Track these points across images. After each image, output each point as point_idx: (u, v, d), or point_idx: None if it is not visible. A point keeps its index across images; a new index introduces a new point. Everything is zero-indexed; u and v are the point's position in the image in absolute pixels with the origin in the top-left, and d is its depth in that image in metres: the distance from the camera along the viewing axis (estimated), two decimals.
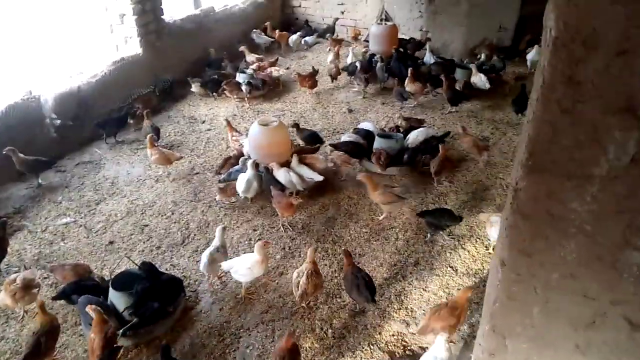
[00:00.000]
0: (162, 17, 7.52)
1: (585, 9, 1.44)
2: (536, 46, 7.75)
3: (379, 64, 7.53)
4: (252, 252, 3.80)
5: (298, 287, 3.50)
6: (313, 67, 7.93)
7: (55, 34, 6.99)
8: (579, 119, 1.59)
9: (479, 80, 6.99)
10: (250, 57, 8.41)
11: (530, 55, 7.78)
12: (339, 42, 9.02)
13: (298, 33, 9.79)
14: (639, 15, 1.37)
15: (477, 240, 4.35)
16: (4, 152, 4.94)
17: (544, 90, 1.61)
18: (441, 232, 4.40)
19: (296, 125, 5.81)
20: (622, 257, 1.76)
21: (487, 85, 6.94)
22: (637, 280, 1.78)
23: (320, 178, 4.89)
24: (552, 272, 1.90)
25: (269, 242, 4.06)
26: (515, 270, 1.97)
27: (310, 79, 7.42)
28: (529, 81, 7.30)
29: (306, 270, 3.51)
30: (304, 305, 3.67)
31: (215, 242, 3.90)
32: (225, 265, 3.78)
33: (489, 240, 4.24)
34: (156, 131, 6.01)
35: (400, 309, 3.67)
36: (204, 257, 3.80)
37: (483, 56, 8.04)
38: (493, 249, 4.25)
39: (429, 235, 4.40)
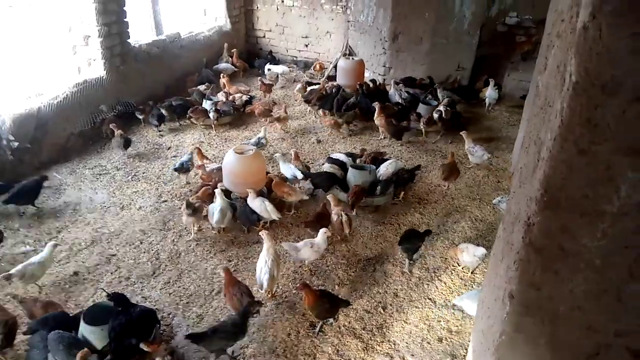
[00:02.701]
0: (128, 40, 7.37)
1: (606, 58, 1.55)
2: (491, 82, 8.19)
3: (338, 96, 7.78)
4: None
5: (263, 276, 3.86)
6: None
7: (15, 54, 6.67)
8: (594, 159, 1.69)
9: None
10: (232, 88, 8.39)
11: (488, 94, 8.19)
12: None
13: (270, 66, 9.86)
14: None
15: (452, 272, 4.44)
16: None
17: (562, 131, 1.70)
18: (415, 260, 4.51)
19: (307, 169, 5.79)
20: (628, 290, 1.85)
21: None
22: None
23: (275, 217, 4.79)
24: (559, 304, 1.96)
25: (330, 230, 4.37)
26: (524, 302, 2.03)
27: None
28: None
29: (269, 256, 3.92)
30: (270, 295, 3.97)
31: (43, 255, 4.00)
32: (287, 246, 4.25)
33: (459, 265, 4.45)
34: (127, 141, 6.21)
35: (382, 341, 3.65)
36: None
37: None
38: (472, 272, 4.37)
39: (407, 265, 4.46)
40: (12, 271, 3.82)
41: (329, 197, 4.90)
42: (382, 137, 7.27)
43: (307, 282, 3.94)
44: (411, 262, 4.49)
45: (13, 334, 3.36)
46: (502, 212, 4.88)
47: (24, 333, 3.40)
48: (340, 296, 3.94)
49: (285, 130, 7.38)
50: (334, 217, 4.69)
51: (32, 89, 6.29)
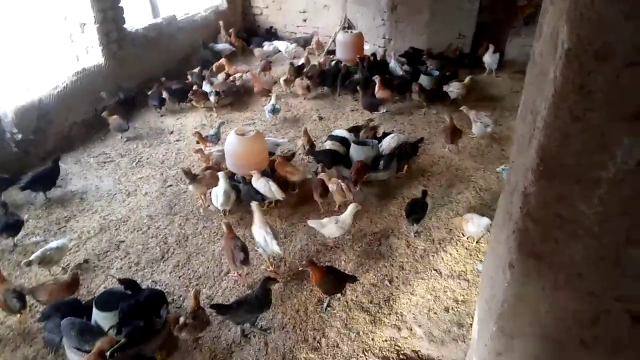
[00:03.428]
0: (124, 26, 7.32)
1: (598, 23, 1.52)
2: (490, 48, 8.07)
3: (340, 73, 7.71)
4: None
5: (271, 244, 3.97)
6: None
7: (12, 45, 6.65)
8: (589, 126, 1.67)
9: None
10: (232, 69, 8.31)
11: (487, 59, 8.07)
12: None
13: (266, 44, 9.76)
14: None
15: (457, 242, 4.46)
16: None
17: (555, 99, 1.68)
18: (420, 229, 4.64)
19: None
20: (626, 255, 1.86)
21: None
22: (639, 276, 1.89)
23: (279, 197, 4.82)
24: (559, 272, 1.98)
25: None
26: (524, 272, 2.04)
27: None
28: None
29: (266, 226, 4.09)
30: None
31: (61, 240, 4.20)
32: (312, 222, 4.32)
33: (464, 235, 4.48)
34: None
35: (390, 314, 3.71)
36: None
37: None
38: (477, 242, 4.40)
39: (413, 230, 4.59)
40: (32, 257, 3.95)
41: (322, 175, 4.90)
42: (385, 110, 7.22)
43: (314, 259, 3.99)
44: (417, 231, 4.61)
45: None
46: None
47: (39, 320, 3.49)
48: (346, 271, 3.99)
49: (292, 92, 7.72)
50: (332, 187, 4.74)
51: (32, 79, 6.31)
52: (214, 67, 8.36)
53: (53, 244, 4.09)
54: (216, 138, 6.00)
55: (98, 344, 2.97)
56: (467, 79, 7.30)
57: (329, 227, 4.29)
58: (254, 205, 4.30)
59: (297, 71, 7.91)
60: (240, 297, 3.64)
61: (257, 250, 4.18)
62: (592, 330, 2.05)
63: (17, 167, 5.50)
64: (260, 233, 4.11)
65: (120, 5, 7.12)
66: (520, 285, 2.07)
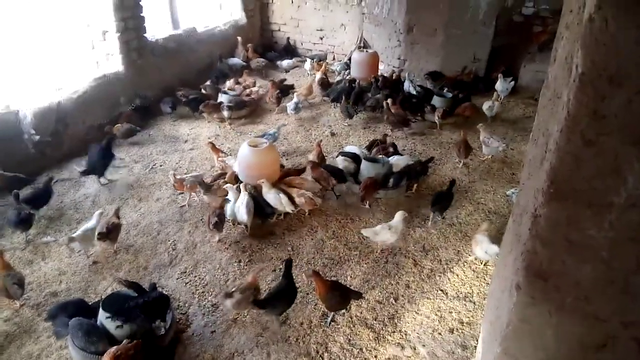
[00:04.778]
0: (145, 35, 7.48)
1: (612, 49, 1.55)
2: (500, 76, 8.11)
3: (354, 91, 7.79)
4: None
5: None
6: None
7: (35, 48, 6.82)
8: (601, 150, 1.70)
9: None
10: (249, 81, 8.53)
11: (498, 86, 8.10)
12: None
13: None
14: None
15: (464, 264, 4.45)
16: None
17: (568, 122, 1.71)
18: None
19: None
20: (635, 281, 1.86)
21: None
22: None
23: (289, 209, 4.89)
24: (566, 295, 1.98)
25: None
26: (530, 293, 2.04)
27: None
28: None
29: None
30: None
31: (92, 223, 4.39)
32: (366, 231, 4.48)
33: (475, 256, 4.46)
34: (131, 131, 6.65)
35: (394, 332, 3.69)
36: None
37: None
38: (484, 264, 4.38)
39: (432, 219, 5.00)
40: (74, 235, 4.25)
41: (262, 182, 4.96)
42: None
43: (319, 271, 3.99)
44: (441, 218, 5.03)
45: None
46: None
47: (45, 319, 3.53)
48: (352, 287, 3.99)
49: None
50: (300, 200, 4.90)
51: (53, 83, 6.45)
52: (231, 81, 8.49)
53: (89, 225, 4.36)
54: (273, 138, 6.24)
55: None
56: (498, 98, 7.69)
57: (383, 234, 4.41)
58: (261, 181, 4.83)
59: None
60: (273, 290, 3.75)
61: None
62: (597, 356, 2.04)
63: (34, 167, 5.61)
64: (275, 196, 4.76)
65: (141, 15, 7.28)
66: (526, 307, 2.07)
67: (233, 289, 3.68)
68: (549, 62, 2.25)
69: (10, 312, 3.76)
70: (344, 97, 7.60)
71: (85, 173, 5.50)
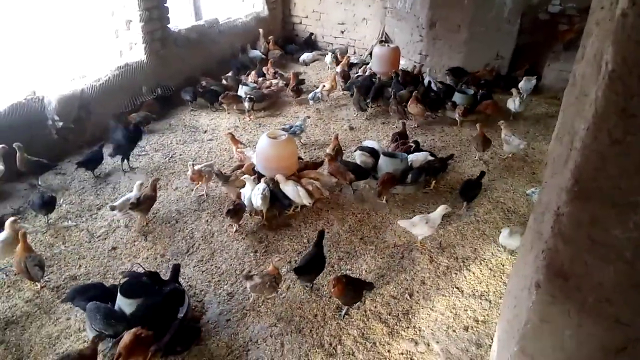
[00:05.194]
0: (168, 25, 7.54)
1: None
2: (525, 77, 7.99)
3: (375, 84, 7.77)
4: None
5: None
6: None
7: (60, 36, 6.93)
8: (628, 149, 1.66)
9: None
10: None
11: (521, 85, 7.97)
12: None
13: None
14: None
15: (482, 262, 4.41)
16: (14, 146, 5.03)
17: (595, 120, 1.68)
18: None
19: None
20: None
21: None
22: None
23: (307, 202, 4.88)
24: (587, 296, 1.95)
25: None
26: (550, 292, 2.02)
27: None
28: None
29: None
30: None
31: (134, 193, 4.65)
32: (403, 222, 4.53)
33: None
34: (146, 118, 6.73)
35: (408, 327, 3.68)
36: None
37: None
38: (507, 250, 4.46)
39: (464, 207, 5.14)
40: (116, 203, 4.56)
41: (278, 177, 4.94)
42: (416, 125, 7.22)
43: (342, 275, 3.94)
44: (469, 206, 5.16)
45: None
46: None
47: (62, 300, 3.63)
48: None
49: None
50: (308, 188, 4.93)
51: (77, 71, 6.55)
52: (253, 72, 8.52)
53: (130, 195, 4.66)
54: (300, 129, 6.42)
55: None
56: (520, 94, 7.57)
57: (420, 227, 4.45)
58: (278, 177, 4.87)
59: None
60: (306, 257, 4.00)
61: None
62: (617, 359, 2.01)
63: (56, 153, 5.72)
64: (292, 189, 4.79)
65: (165, 5, 7.35)
66: (546, 306, 2.05)
67: (254, 273, 3.80)
68: (574, 60, 2.21)
69: (31, 293, 3.85)
70: (355, 90, 7.56)
71: (113, 154, 5.72)
